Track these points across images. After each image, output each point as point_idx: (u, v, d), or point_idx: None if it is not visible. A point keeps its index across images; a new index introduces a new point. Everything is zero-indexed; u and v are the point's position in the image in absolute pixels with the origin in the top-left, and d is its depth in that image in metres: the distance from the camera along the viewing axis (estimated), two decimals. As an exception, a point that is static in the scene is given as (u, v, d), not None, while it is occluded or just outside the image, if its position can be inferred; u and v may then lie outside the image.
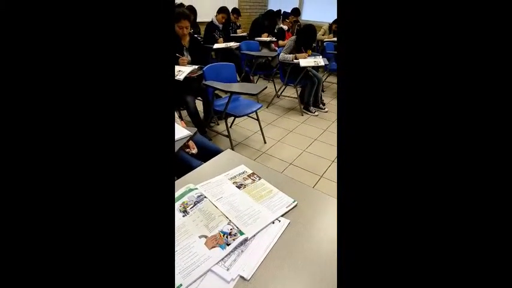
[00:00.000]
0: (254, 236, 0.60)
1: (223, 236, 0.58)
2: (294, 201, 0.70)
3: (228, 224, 0.61)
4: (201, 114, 2.24)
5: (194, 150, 1.26)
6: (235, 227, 0.60)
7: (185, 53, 2.08)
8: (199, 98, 2.23)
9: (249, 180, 0.78)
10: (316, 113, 2.87)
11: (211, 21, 3.33)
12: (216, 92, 2.01)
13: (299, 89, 2.95)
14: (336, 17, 3.94)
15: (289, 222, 0.64)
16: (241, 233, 0.59)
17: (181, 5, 2.80)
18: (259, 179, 0.79)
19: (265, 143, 2.27)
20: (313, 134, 2.45)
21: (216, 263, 0.53)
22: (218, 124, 2.49)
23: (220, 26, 3.38)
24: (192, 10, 3.02)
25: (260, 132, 2.29)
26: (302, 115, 2.84)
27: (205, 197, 0.69)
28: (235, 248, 0.56)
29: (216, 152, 1.30)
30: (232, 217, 0.63)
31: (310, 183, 1.80)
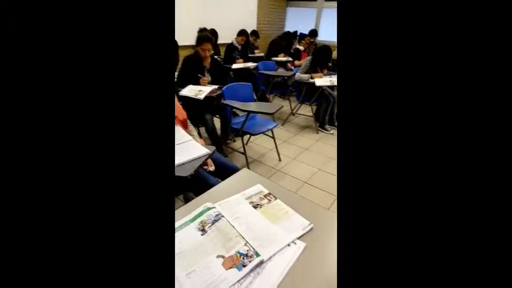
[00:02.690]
0: (270, 258, 0.60)
1: (240, 257, 0.59)
2: (310, 223, 0.71)
3: (244, 244, 0.62)
4: (218, 131, 2.31)
5: (212, 168, 1.30)
6: (251, 248, 0.61)
7: (206, 73, 2.19)
8: (217, 116, 2.31)
9: (265, 200, 0.80)
10: (331, 131, 2.86)
11: (231, 43, 3.50)
12: (234, 110, 2.07)
13: (314, 107, 2.97)
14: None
15: (305, 245, 0.64)
16: (258, 255, 0.60)
17: (205, 29, 2.99)
18: (275, 199, 0.80)
19: (280, 160, 2.28)
20: (328, 153, 2.44)
21: (233, 285, 0.54)
22: (234, 141, 2.54)
23: (240, 47, 3.54)
24: (213, 33, 3.21)
25: (275, 150, 2.31)
26: (317, 133, 2.84)
27: (222, 216, 0.71)
28: (252, 270, 0.57)
29: (232, 169, 1.33)
30: (249, 238, 0.65)
31: (325, 204, 1.77)
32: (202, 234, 0.65)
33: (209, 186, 1.14)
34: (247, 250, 0.61)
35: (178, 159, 1.03)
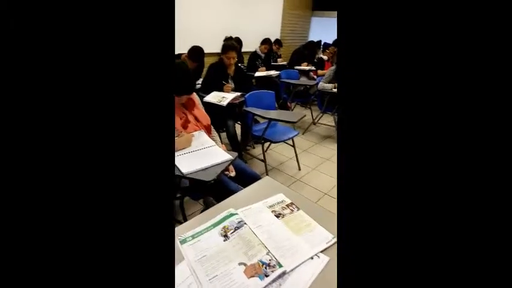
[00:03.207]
0: (293, 270, 0.59)
1: (262, 266, 0.59)
2: (334, 237, 0.68)
3: (267, 254, 0.62)
4: (238, 137, 2.33)
5: (232, 174, 1.31)
6: (274, 258, 0.61)
7: (230, 80, 2.24)
8: (238, 122, 2.34)
9: (288, 210, 0.79)
10: (354, 143, 2.78)
11: (255, 51, 3.56)
12: (255, 117, 2.09)
13: (336, 117, 2.92)
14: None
15: (328, 259, 0.62)
16: (280, 266, 0.59)
17: (230, 37, 3.07)
18: (297, 210, 0.79)
19: (299, 169, 2.25)
20: (350, 165, 2.36)
21: (254, 294, 0.53)
22: (254, 148, 2.55)
23: (263, 55, 3.59)
24: (238, 41, 3.29)
25: (295, 159, 2.29)
26: (339, 144, 2.78)
27: (245, 223, 0.71)
28: (274, 281, 0.56)
29: (252, 176, 1.34)
30: (271, 247, 0.64)
31: (346, 217, 1.71)
32: (224, 240, 0.66)
33: (229, 191, 1.15)
34: (270, 260, 0.60)
35: (201, 163, 1.05)
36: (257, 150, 2.48)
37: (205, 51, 2.47)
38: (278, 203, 0.82)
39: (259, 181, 0.99)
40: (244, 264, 0.59)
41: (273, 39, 3.83)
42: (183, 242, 0.65)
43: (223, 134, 2.32)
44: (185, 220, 1.32)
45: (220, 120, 2.10)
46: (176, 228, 0.71)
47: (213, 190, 1.21)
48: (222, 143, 1.70)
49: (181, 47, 2.76)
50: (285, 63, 4.05)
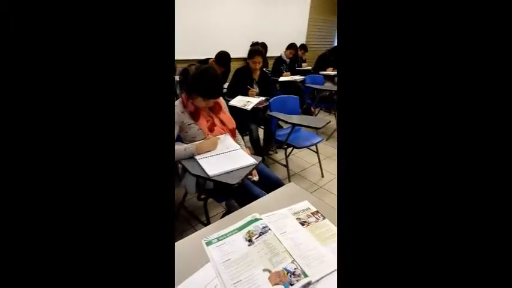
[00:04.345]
0: (318, 280, 0.57)
1: (287, 274, 0.58)
2: (362, 250, 0.66)
3: (292, 262, 0.61)
4: (261, 142, 2.34)
5: (256, 178, 1.31)
6: (299, 267, 0.59)
7: (255, 85, 2.26)
8: (261, 126, 2.35)
9: (313, 219, 0.77)
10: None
11: (280, 56, 3.57)
12: (279, 122, 2.09)
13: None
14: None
15: (356, 273, 0.60)
16: (305, 275, 0.58)
17: (257, 43, 3.11)
18: (323, 219, 0.77)
19: (322, 176, 2.20)
20: (376, 174, 2.27)
21: (279, 302, 0.53)
22: (276, 152, 2.54)
23: (288, 60, 3.58)
24: (264, 46, 3.31)
25: (318, 165, 2.24)
26: (365, 152, 2.68)
27: (269, 229, 0.71)
28: (299, 290, 0.55)
29: (275, 181, 1.33)
30: (296, 255, 0.63)
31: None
32: (249, 245, 0.66)
33: (252, 196, 1.16)
34: (295, 268, 0.59)
35: (226, 166, 1.07)
36: (279, 155, 2.47)
37: (232, 56, 2.53)
38: (303, 210, 0.80)
39: (283, 187, 0.99)
40: (269, 271, 0.59)
41: (298, 44, 3.82)
42: (208, 243, 0.66)
43: (246, 138, 2.34)
44: (208, 221, 1.35)
45: (243, 124, 2.12)
46: (201, 230, 0.73)
47: (236, 193, 1.22)
48: (247, 148, 1.71)
49: (209, 51, 2.85)
50: (309, 68, 4.01)
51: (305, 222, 0.75)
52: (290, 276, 0.57)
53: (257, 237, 0.68)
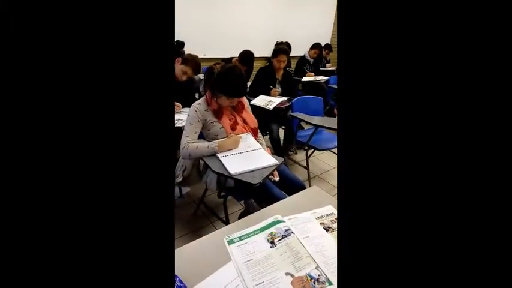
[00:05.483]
0: (343, 290, 0.55)
1: (311, 280, 0.56)
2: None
3: (316, 268, 0.59)
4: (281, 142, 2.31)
5: (277, 178, 1.30)
6: (323, 274, 0.57)
7: (277, 85, 2.24)
8: (282, 126, 2.33)
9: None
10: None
11: (304, 56, 3.51)
12: (300, 123, 2.05)
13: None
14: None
15: (384, 285, 0.57)
16: (330, 283, 0.55)
17: (281, 42, 3.09)
18: (348, 225, 0.74)
19: (343, 181, 2.13)
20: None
21: (302, 309, 0.51)
22: (296, 153, 2.51)
23: (312, 60, 3.52)
24: (288, 46, 3.28)
25: (339, 169, 2.17)
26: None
27: (292, 232, 0.69)
28: (323, 298, 0.53)
29: (296, 183, 1.30)
30: (320, 262, 0.61)
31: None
32: (271, 247, 0.64)
33: (272, 196, 1.14)
34: (319, 275, 0.57)
35: (248, 165, 1.06)
36: (299, 156, 2.43)
37: (255, 55, 2.52)
38: (327, 215, 0.78)
39: (306, 190, 0.96)
40: (291, 275, 0.57)
41: (323, 44, 3.73)
42: (230, 242, 0.66)
43: (266, 137, 2.33)
44: (227, 218, 1.35)
45: (264, 123, 2.11)
46: (222, 229, 0.72)
47: (256, 193, 1.21)
48: (268, 148, 1.70)
49: (232, 51, 2.87)
50: (334, 68, 3.91)
51: (329, 228, 0.73)
52: (313, 282, 0.55)
53: (279, 240, 0.66)
